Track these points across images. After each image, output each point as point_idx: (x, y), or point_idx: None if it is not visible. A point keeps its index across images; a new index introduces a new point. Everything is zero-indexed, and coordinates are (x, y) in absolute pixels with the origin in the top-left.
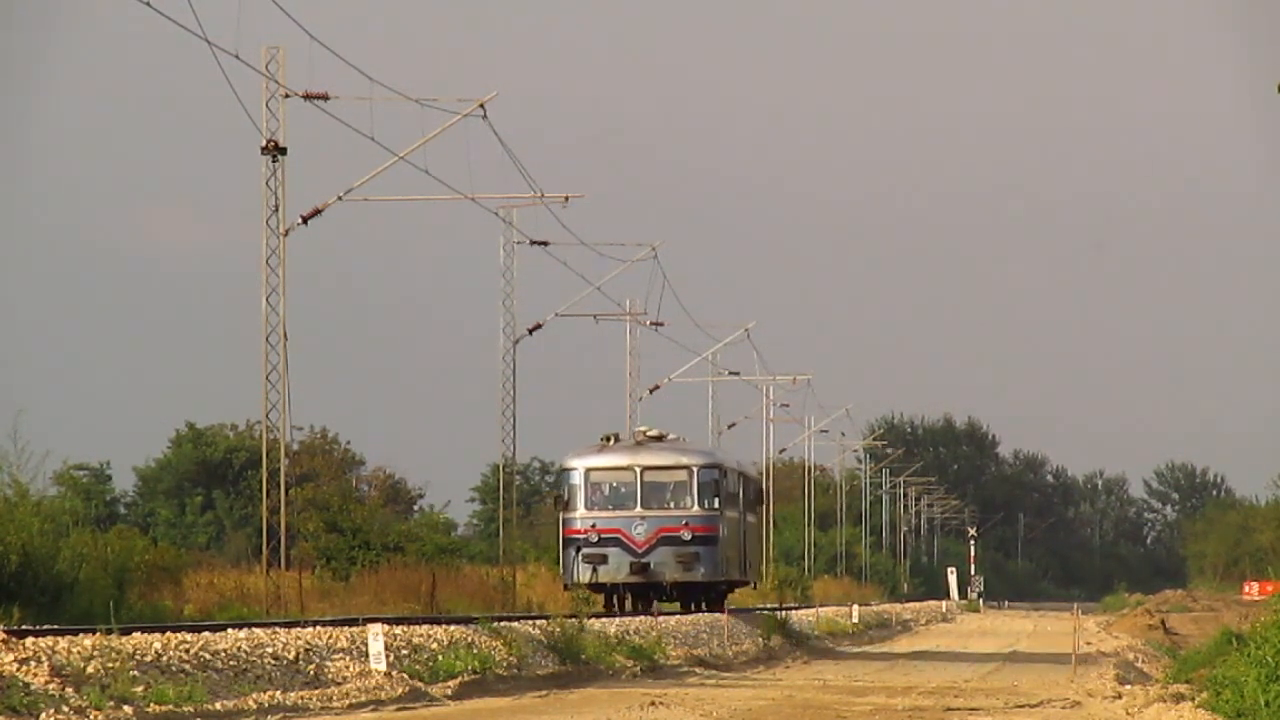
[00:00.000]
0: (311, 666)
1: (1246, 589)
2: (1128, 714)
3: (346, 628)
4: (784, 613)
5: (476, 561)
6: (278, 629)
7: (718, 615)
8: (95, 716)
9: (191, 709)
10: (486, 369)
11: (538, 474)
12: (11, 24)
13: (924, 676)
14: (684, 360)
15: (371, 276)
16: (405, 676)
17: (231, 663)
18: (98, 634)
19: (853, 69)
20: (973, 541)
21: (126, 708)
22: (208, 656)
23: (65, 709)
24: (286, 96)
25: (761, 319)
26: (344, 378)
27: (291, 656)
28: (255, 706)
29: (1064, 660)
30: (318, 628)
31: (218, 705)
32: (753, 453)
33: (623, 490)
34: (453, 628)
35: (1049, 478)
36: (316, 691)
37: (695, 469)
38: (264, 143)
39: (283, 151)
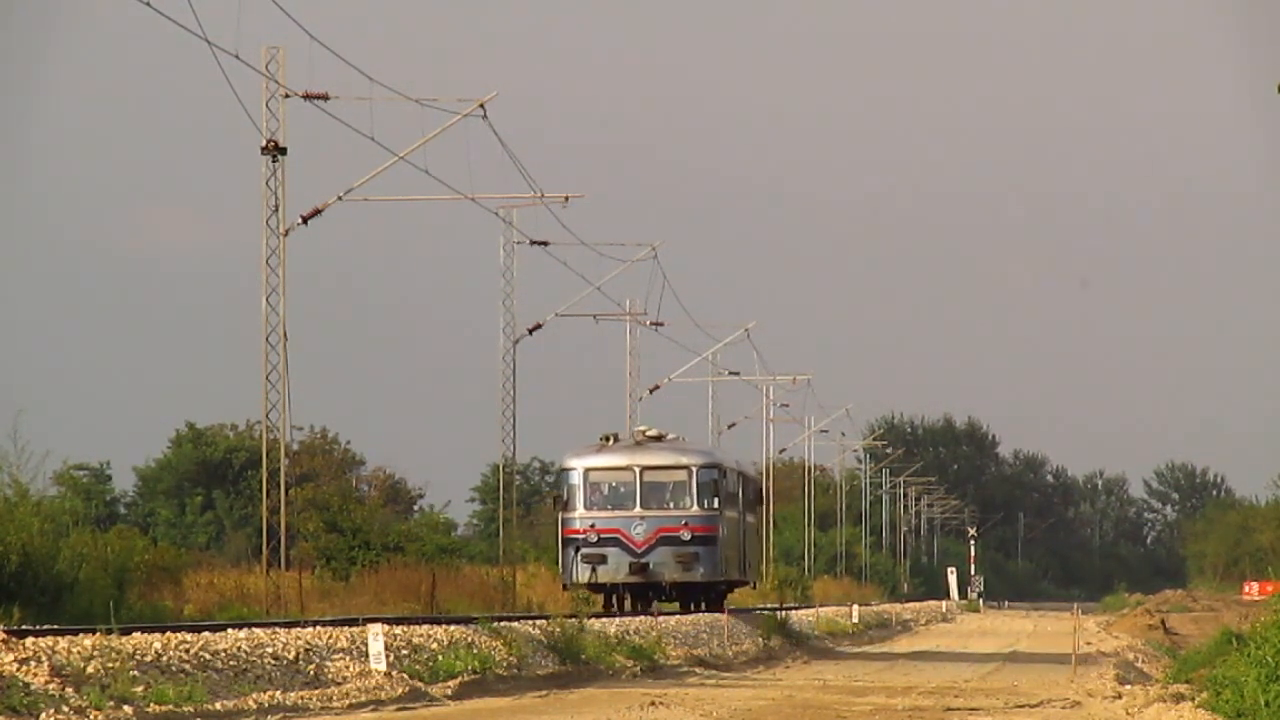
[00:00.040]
0: (311, 666)
1: (1246, 589)
2: (1128, 714)
3: (346, 628)
4: (784, 613)
5: (476, 561)
6: (278, 629)
7: (718, 615)
8: (95, 716)
9: (191, 709)
10: (486, 369)
11: (538, 474)
12: (11, 24)
13: (924, 676)
14: (684, 360)
15: (371, 276)
16: (405, 676)
17: (231, 663)
18: (98, 634)
19: (853, 69)
20: (973, 541)
21: (126, 708)
22: (208, 656)
23: (65, 709)
24: (286, 96)
25: (761, 319)
26: (344, 378)
27: (291, 656)
28: (255, 706)
29: (1064, 660)
30: (318, 628)
31: (218, 705)
32: (753, 453)
33: (622, 490)
34: (453, 628)
35: (1049, 478)
36: (316, 691)
37: (694, 469)
38: (264, 143)
39: (283, 151)
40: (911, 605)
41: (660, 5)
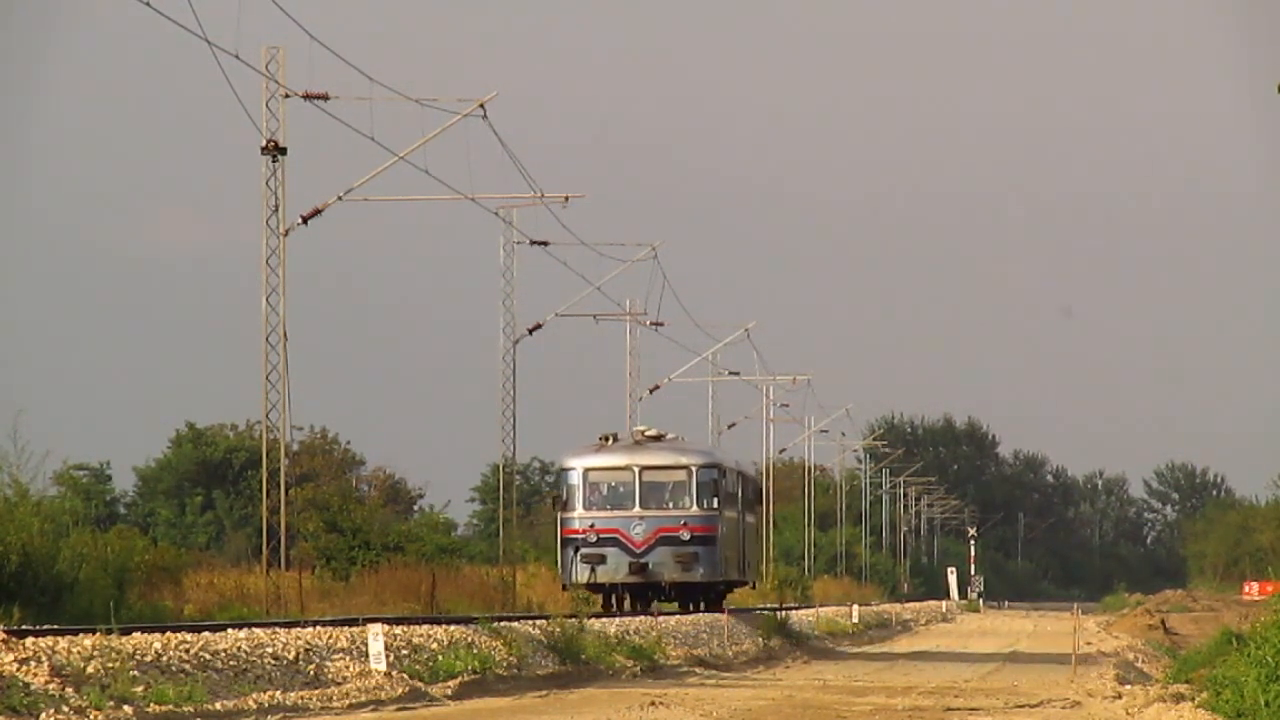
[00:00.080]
0: (311, 666)
1: (1246, 589)
2: (1128, 714)
3: (346, 628)
4: (784, 613)
5: (476, 561)
6: (278, 629)
7: (718, 615)
8: (95, 716)
9: (191, 709)
10: (486, 369)
11: (538, 474)
12: (11, 24)
13: (924, 676)
14: (684, 360)
15: (371, 276)
16: (405, 676)
17: (231, 663)
18: (98, 634)
19: (853, 69)
20: (973, 541)
21: (126, 708)
22: (208, 656)
23: (65, 709)
24: (286, 96)
25: (761, 319)
26: (344, 378)
27: (291, 656)
28: (255, 706)
29: (1064, 660)
30: (318, 628)
31: (218, 705)
32: (753, 453)
33: (621, 490)
34: (453, 628)
35: (1049, 478)
36: (316, 691)
37: (694, 469)
38: (264, 143)
39: (283, 151)
40: (911, 605)
41: (660, 5)
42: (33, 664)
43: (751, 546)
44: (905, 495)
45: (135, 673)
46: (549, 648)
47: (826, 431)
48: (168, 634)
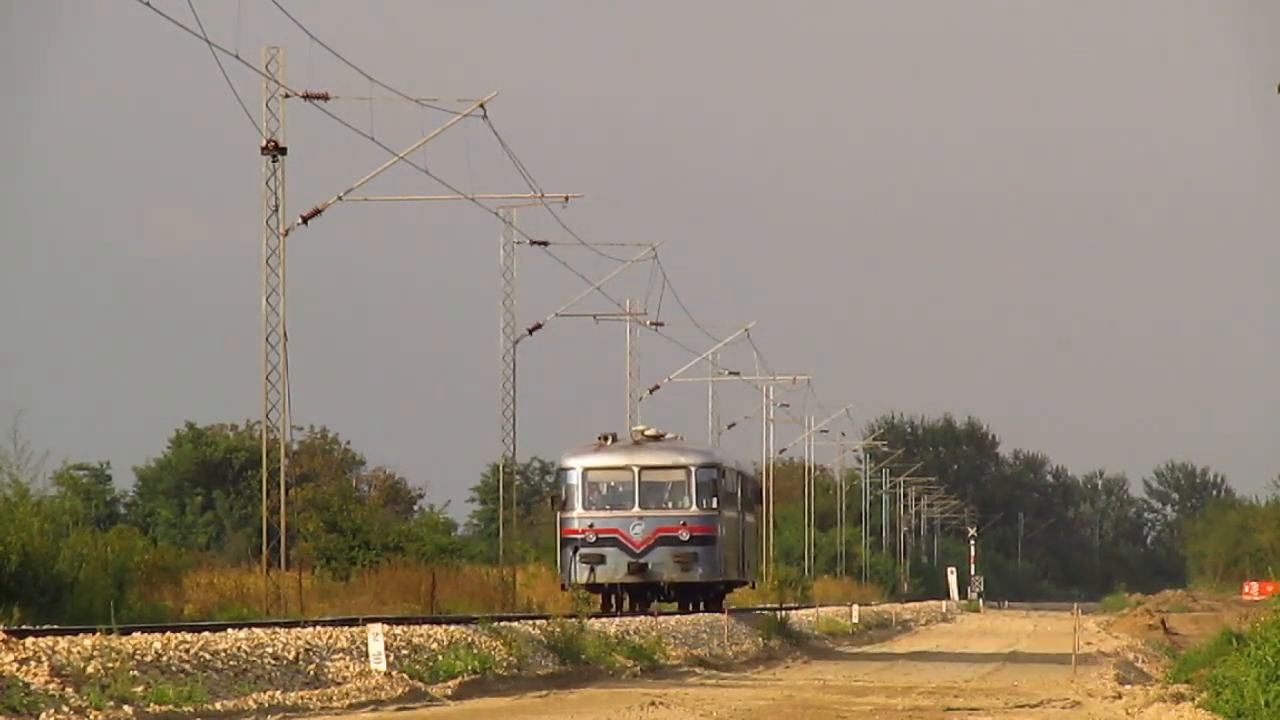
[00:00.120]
0: (311, 666)
1: (1246, 589)
2: (1128, 714)
3: (346, 628)
4: (784, 613)
5: (476, 561)
6: (278, 629)
7: (718, 615)
8: (95, 716)
9: (191, 709)
10: (486, 369)
11: (538, 474)
12: (11, 24)
13: (924, 676)
14: (684, 360)
15: (371, 276)
16: (405, 676)
17: (231, 663)
18: (98, 634)
19: (853, 69)
20: (973, 541)
21: (126, 708)
22: (208, 656)
23: (65, 709)
24: (286, 96)
25: (761, 319)
26: (344, 378)
27: (291, 656)
28: (255, 706)
29: (1064, 660)
30: (318, 628)
31: (218, 705)
32: (753, 453)
33: (620, 490)
34: (453, 628)
35: (1049, 478)
36: (316, 691)
37: (693, 469)
38: (264, 143)
39: (283, 151)
40: (911, 605)
41: (660, 5)
42: (33, 664)
43: (751, 546)
44: (905, 495)
45: (135, 673)
46: (549, 648)
47: (826, 431)
48: (168, 634)
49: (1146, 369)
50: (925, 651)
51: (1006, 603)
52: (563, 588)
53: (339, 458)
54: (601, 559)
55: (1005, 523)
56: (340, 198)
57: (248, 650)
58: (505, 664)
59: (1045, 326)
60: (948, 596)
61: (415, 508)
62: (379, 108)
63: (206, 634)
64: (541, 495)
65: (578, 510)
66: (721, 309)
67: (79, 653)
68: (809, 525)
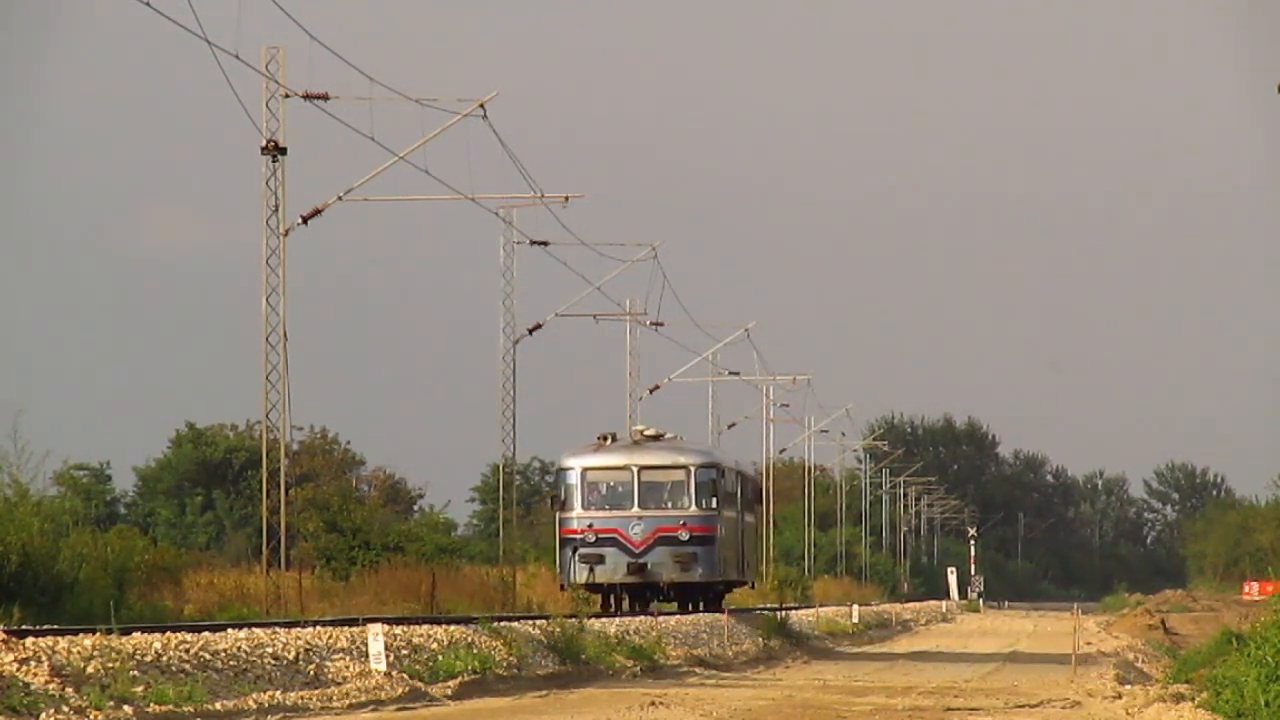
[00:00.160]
0: (311, 666)
1: (1246, 589)
2: (1128, 714)
3: (346, 628)
4: (784, 613)
5: (476, 561)
6: (278, 629)
7: (717, 615)
8: (95, 716)
9: (191, 709)
10: (486, 369)
11: (538, 474)
12: (11, 24)
13: (924, 676)
14: (684, 360)
15: (371, 276)
16: (405, 676)
17: (231, 663)
18: (98, 634)
19: (853, 69)
20: (973, 541)
21: (126, 708)
22: (208, 656)
23: (65, 709)
24: (286, 96)
25: (761, 319)
26: (344, 378)
27: (291, 656)
28: (255, 706)
29: (1064, 660)
30: (318, 628)
31: (218, 705)
32: (753, 453)
33: (620, 490)
34: (453, 628)
35: (1049, 478)
36: (316, 691)
37: (693, 469)
38: (264, 143)
39: (283, 151)
40: (911, 605)
41: (660, 5)
42: (33, 664)
43: (751, 546)
44: (905, 495)
45: (135, 673)
46: (549, 648)
47: (826, 431)
48: (168, 634)
49: (1146, 369)
50: (925, 651)
51: (1006, 603)
52: (562, 588)
53: (339, 458)
54: (601, 559)
55: (1005, 523)
56: (340, 198)
57: (248, 650)
58: (505, 664)
59: (1045, 326)
60: (948, 596)
61: (415, 508)
62: (379, 108)
63: (206, 634)
64: (541, 495)
65: (577, 510)
66: (721, 309)
67: (79, 653)
68: (809, 525)
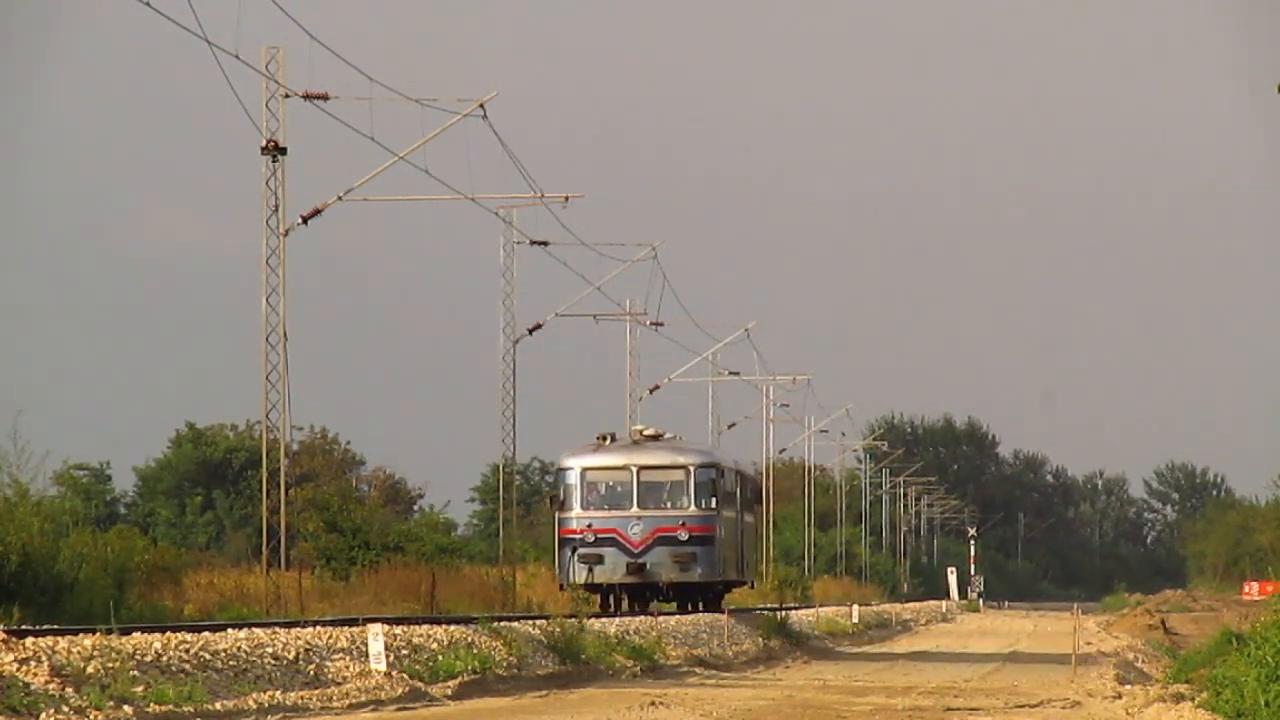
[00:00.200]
0: (311, 666)
1: (1246, 589)
2: (1128, 714)
3: (346, 628)
4: (784, 613)
5: (476, 561)
6: (278, 629)
7: (717, 615)
8: (95, 716)
9: (191, 709)
10: (486, 369)
11: (538, 474)
12: (11, 24)
13: (924, 676)
14: (684, 360)
15: (371, 276)
16: (405, 676)
17: (231, 663)
18: (98, 634)
19: (853, 69)
20: (973, 541)
21: (126, 708)
22: (208, 656)
23: (65, 709)
24: (286, 96)
25: (761, 319)
26: (344, 378)
27: (291, 656)
28: (255, 706)
29: (1064, 660)
30: (318, 628)
31: (218, 705)
32: (753, 453)
33: (619, 490)
34: (453, 628)
35: (1049, 478)
36: (316, 691)
37: (692, 468)
38: (264, 143)
39: (283, 151)
40: (911, 605)
41: (660, 5)
42: (33, 664)
43: (750, 546)
44: (905, 495)
45: (135, 673)
46: (549, 648)
47: (826, 431)
48: (168, 634)
49: (1146, 369)
50: (925, 651)
51: (1006, 603)
52: (561, 588)
53: (339, 458)
54: (600, 559)
55: (1005, 523)
56: (340, 198)
57: (248, 650)
58: (505, 664)
59: (1045, 326)
60: (948, 596)
61: (415, 508)
62: (379, 108)
63: (206, 634)
64: (541, 495)
65: (576, 510)
66: (721, 309)
67: (79, 653)
68: (809, 525)
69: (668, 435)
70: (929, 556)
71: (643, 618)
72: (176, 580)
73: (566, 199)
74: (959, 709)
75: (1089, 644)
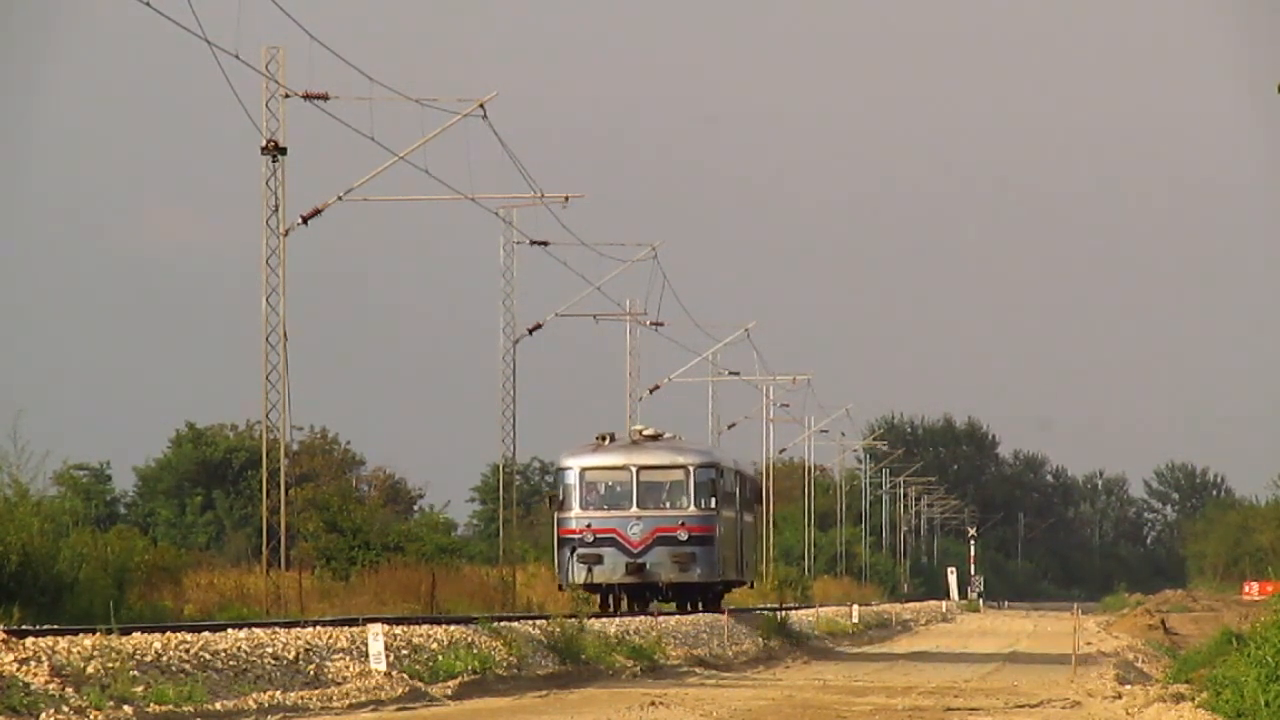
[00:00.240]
0: (311, 666)
1: (1246, 589)
2: (1128, 714)
3: (346, 628)
4: (784, 613)
5: (476, 561)
6: (278, 629)
7: (717, 615)
8: (95, 716)
9: (191, 709)
10: (486, 369)
11: (538, 474)
12: (11, 24)
13: (924, 676)
14: (684, 360)
15: (371, 276)
16: (405, 676)
17: (231, 663)
18: (98, 634)
19: (853, 69)
20: (973, 541)
21: (126, 708)
22: (208, 656)
23: (65, 709)
24: (286, 96)
25: (761, 319)
26: (344, 378)
27: (291, 656)
28: (255, 706)
29: (1064, 660)
30: (318, 628)
31: (218, 705)
32: (753, 453)
33: (618, 490)
34: (453, 628)
35: (1049, 478)
36: (316, 691)
37: (692, 468)
38: (264, 143)
39: (283, 151)
40: (911, 605)
41: (660, 5)
42: (33, 664)
43: (750, 546)
44: (905, 495)
45: (135, 673)
46: (549, 648)
47: (826, 431)
48: (168, 634)
49: (1146, 369)
50: (925, 651)
51: (1006, 603)
52: (560, 588)
53: (339, 458)
54: (599, 559)
55: (1005, 523)
56: (340, 198)
57: (248, 650)
58: (505, 664)
59: (1045, 326)
60: (948, 596)
61: (415, 508)
62: (379, 108)
63: (206, 634)
64: (541, 495)
65: (575, 510)
66: (721, 309)
67: (79, 653)
68: (809, 525)
69: (667, 435)
70: (929, 556)
71: (643, 618)
72: (176, 580)
73: (566, 199)
74: (959, 709)
75: (1089, 644)
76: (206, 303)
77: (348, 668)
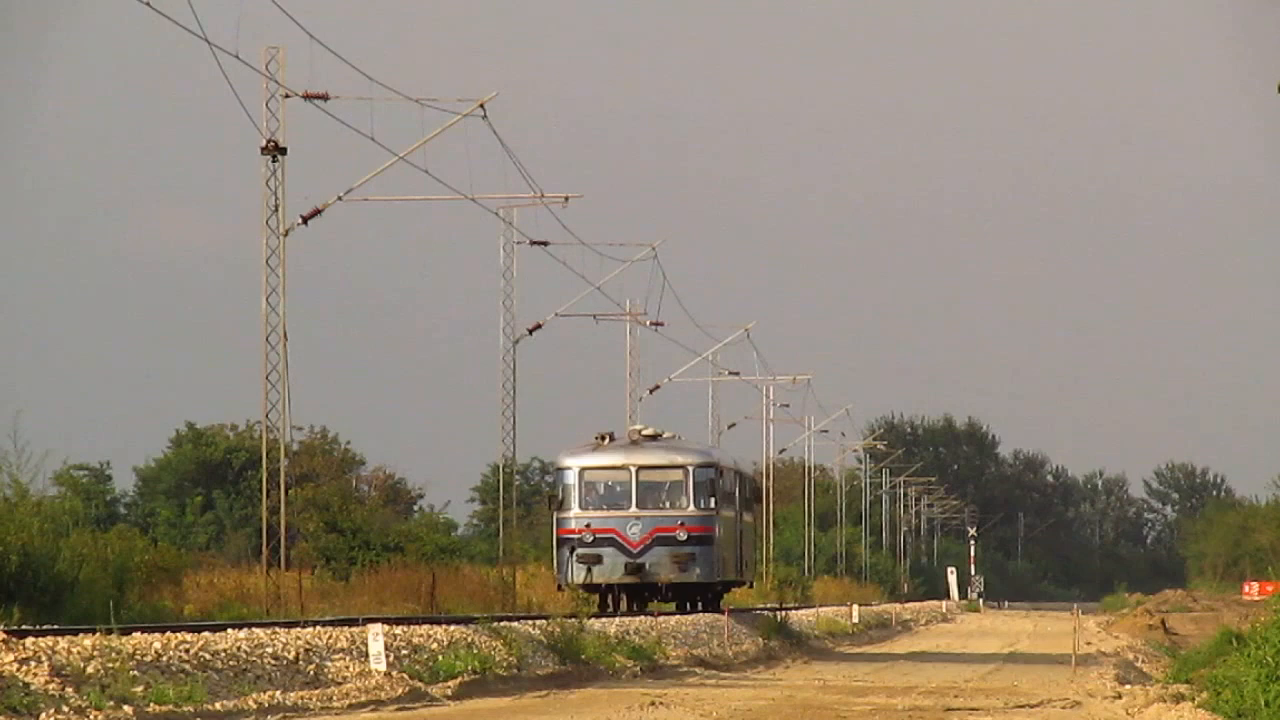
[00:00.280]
0: (311, 666)
1: (1246, 589)
2: (1128, 714)
3: (346, 628)
4: (784, 613)
5: (476, 561)
6: (278, 629)
7: (717, 615)
8: (95, 716)
9: (191, 709)
10: (486, 369)
11: (538, 474)
12: (11, 24)
13: (924, 676)
14: (684, 360)
15: (371, 276)
16: (405, 676)
17: (231, 663)
18: (98, 634)
19: (853, 69)
20: (973, 541)
21: (126, 708)
22: (208, 656)
23: (65, 709)
24: (286, 96)
25: (761, 319)
26: (344, 378)
27: (291, 656)
28: (255, 706)
29: (1064, 660)
30: (318, 628)
31: (218, 705)
32: (753, 453)
33: (618, 489)
34: (453, 628)
35: (1049, 478)
36: (316, 691)
37: (691, 468)
38: (264, 143)
39: (283, 151)
40: (911, 605)
41: (660, 5)
42: (33, 664)
43: (749, 546)
44: (905, 495)
45: (135, 673)
46: (549, 648)
47: (826, 431)
48: (168, 634)
49: (1146, 369)
50: (925, 652)
51: (1006, 603)
52: (559, 588)
53: (339, 458)
54: (598, 559)
55: (1005, 523)
56: (340, 198)
57: (248, 650)
58: (505, 664)
59: (1045, 326)
60: (948, 596)
61: (415, 508)
62: (379, 108)
63: (206, 634)
64: (541, 495)
65: (574, 510)
66: (721, 309)
67: (79, 653)
68: (809, 525)
69: (666, 435)
70: (929, 556)
71: (643, 618)
72: (176, 580)
73: (566, 199)
74: (959, 709)
75: (1089, 644)
76: (207, 303)
77: (348, 668)
